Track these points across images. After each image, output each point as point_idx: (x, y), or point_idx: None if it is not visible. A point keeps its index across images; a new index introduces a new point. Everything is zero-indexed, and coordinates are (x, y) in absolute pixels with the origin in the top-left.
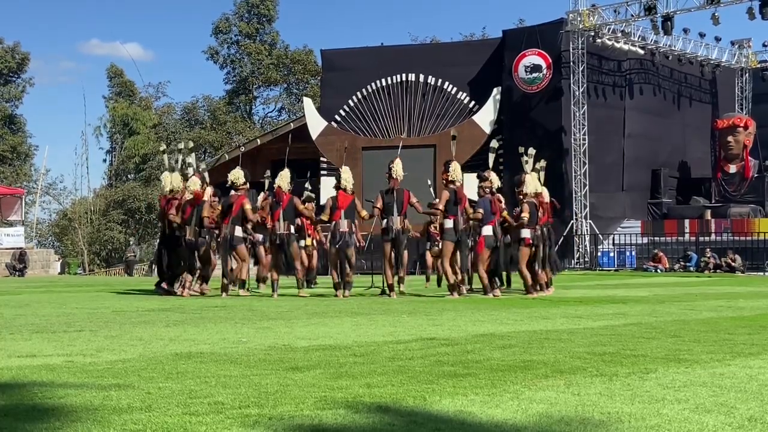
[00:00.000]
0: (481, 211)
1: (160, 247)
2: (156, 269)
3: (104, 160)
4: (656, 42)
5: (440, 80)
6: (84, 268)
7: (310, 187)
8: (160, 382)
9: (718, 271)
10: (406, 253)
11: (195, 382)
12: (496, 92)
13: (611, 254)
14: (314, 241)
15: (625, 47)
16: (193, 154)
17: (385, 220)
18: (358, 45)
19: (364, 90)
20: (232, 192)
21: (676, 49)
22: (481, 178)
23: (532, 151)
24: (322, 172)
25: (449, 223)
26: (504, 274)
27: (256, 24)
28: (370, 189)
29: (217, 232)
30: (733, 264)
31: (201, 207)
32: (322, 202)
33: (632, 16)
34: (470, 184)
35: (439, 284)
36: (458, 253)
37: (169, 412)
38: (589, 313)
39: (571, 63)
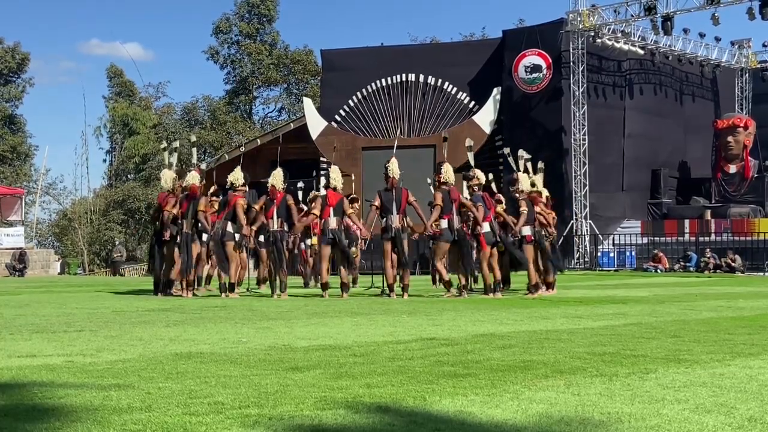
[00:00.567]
0: (480, 205)
1: (152, 248)
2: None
3: (104, 160)
4: (656, 42)
5: (440, 80)
6: (84, 269)
7: (303, 185)
8: (160, 382)
9: (718, 271)
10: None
11: (195, 382)
12: (496, 92)
13: (611, 254)
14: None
15: (625, 47)
16: (194, 149)
17: (384, 219)
18: (358, 45)
19: (364, 90)
20: (230, 192)
21: (676, 49)
22: (467, 178)
23: (526, 155)
24: (323, 172)
25: (444, 223)
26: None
27: (257, 24)
28: (370, 189)
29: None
30: (733, 264)
31: (197, 201)
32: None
33: (632, 16)
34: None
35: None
36: (459, 253)
37: (169, 412)
38: (589, 313)
39: (571, 63)
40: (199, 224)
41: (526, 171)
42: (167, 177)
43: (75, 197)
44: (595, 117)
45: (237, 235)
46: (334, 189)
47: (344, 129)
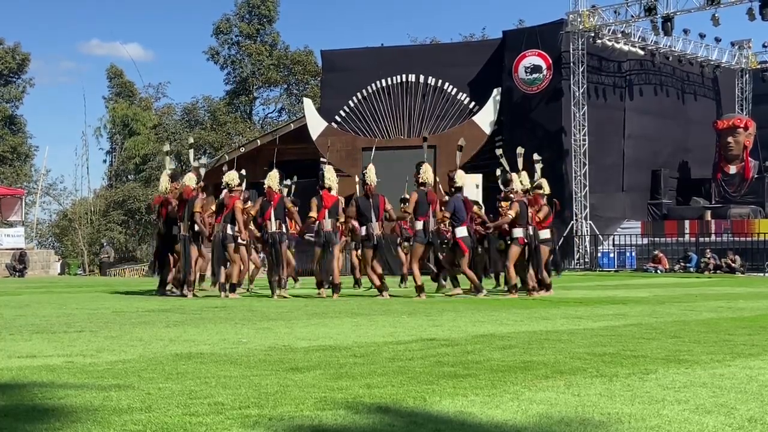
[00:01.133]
0: (448, 214)
1: (158, 248)
2: (157, 270)
3: (104, 161)
4: (656, 43)
5: (440, 81)
6: (84, 269)
7: (289, 182)
8: (160, 382)
9: (718, 271)
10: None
11: (195, 383)
12: (496, 93)
13: (611, 255)
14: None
15: (625, 48)
16: (192, 150)
17: (365, 228)
18: (358, 45)
19: (364, 90)
20: (225, 192)
21: (676, 49)
22: (450, 179)
23: (520, 150)
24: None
25: (419, 225)
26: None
27: (257, 24)
28: None
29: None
30: (733, 265)
31: (192, 202)
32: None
33: (632, 16)
34: (471, 185)
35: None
36: (434, 254)
37: (169, 413)
38: (589, 313)
39: (571, 64)
40: (196, 226)
41: (524, 170)
42: (163, 180)
43: (75, 198)
44: (596, 118)
45: (237, 237)
46: (329, 189)
47: (344, 129)
